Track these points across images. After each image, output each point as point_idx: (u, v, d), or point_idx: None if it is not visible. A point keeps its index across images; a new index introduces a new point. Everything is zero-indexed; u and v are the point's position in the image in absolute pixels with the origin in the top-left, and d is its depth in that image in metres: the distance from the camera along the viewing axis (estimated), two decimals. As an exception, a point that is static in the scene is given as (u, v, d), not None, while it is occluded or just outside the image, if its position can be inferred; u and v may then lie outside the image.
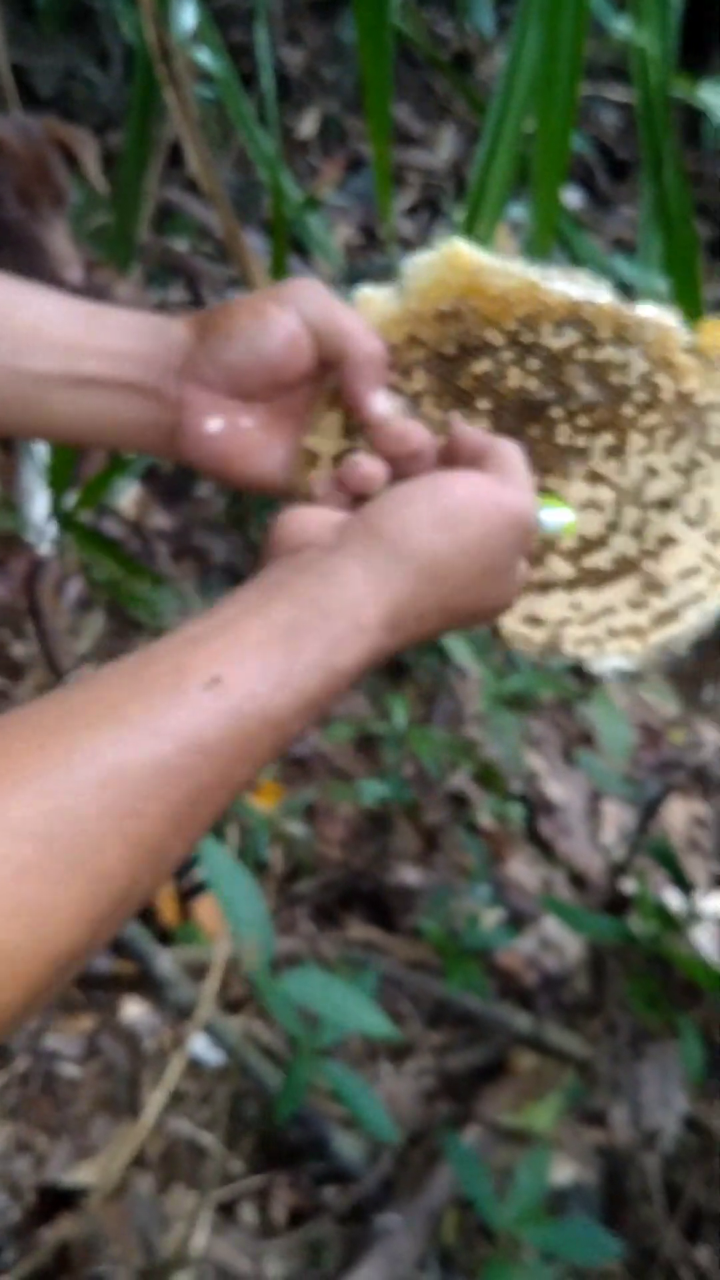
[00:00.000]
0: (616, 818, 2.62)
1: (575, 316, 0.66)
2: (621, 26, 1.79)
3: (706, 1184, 2.05)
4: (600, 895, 2.42)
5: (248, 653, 0.51)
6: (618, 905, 2.32)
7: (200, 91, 2.46)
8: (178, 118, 1.92)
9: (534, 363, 0.67)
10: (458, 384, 0.67)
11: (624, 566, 0.69)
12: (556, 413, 0.68)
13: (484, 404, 0.67)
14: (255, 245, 2.83)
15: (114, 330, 0.65)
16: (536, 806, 2.54)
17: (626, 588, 0.69)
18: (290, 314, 0.64)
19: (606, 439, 0.68)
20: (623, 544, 0.69)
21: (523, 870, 2.36)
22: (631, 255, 3.08)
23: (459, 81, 2.65)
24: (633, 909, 2.11)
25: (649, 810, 2.45)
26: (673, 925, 1.93)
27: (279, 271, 2.27)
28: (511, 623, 0.69)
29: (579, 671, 2.82)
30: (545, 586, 0.69)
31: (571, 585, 0.69)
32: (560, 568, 0.69)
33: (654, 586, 0.68)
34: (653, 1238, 1.95)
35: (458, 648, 2.26)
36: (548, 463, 0.68)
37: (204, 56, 1.96)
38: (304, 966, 1.28)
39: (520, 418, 0.68)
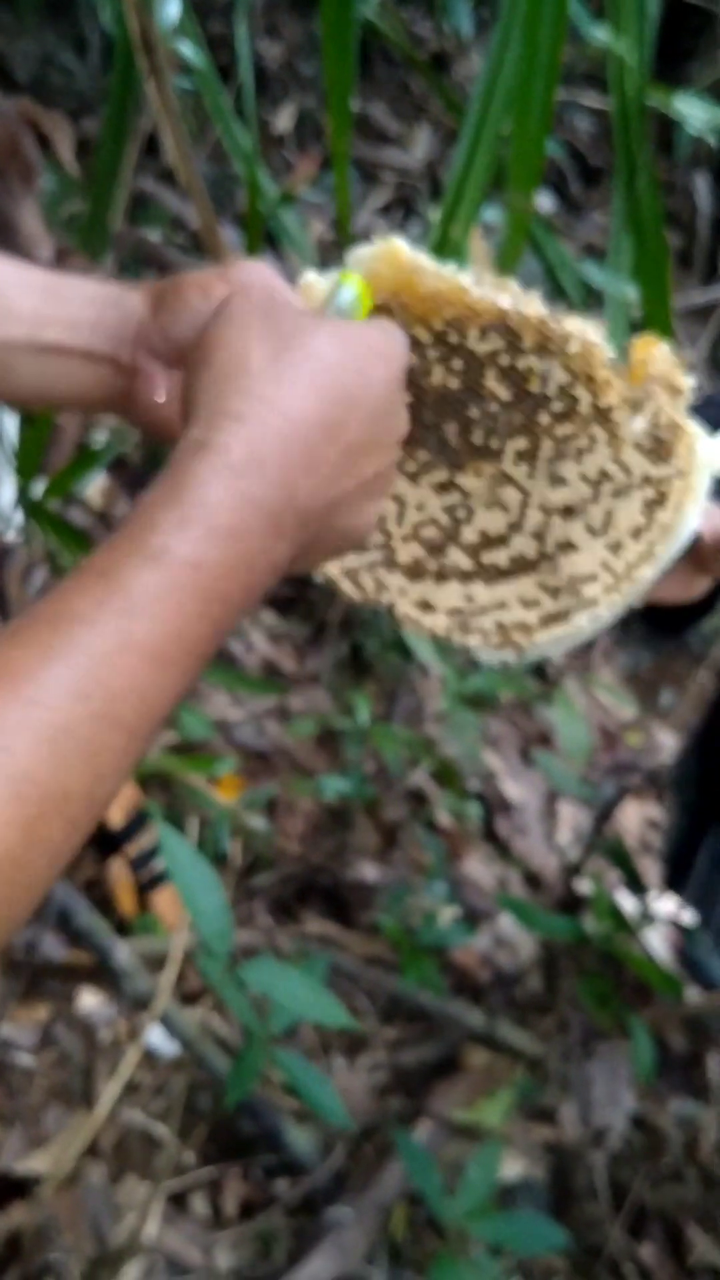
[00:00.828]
0: (572, 818, 2.64)
1: (501, 323, 0.67)
2: (600, 34, 1.80)
3: (652, 1183, 2.07)
4: (555, 895, 2.44)
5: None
6: (572, 905, 2.34)
7: (178, 83, 2.46)
8: (157, 109, 1.92)
9: (457, 363, 0.68)
10: None
11: (521, 566, 0.71)
12: (474, 413, 0.69)
13: (404, 396, 0.66)
14: (229, 238, 2.83)
15: (75, 300, 0.68)
16: (493, 805, 2.56)
17: (521, 586, 0.71)
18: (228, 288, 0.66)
19: (520, 443, 0.69)
20: (523, 544, 0.71)
21: (479, 868, 2.38)
22: (602, 261, 3.10)
23: (436, 81, 2.65)
24: (586, 909, 2.13)
25: (605, 811, 2.47)
26: (625, 926, 1.95)
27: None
28: (405, 605, 0.71)
29: (540, 673, 2.85)
30: (441, 576, 0.71)
31: (467, 577, 0.71)
32: (460, 559, 0.71)
33: (548, 589, 0.70)
34: (598, 1234, 1.98)
35: (420, 645, 2.28)
36: (460, 459, 0.70)
37: (184, 48, 1.96)
38: (256, 959, 1.29)
39: (439, 413, 0.69)
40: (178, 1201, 1.72)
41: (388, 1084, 1.95)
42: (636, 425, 0.68)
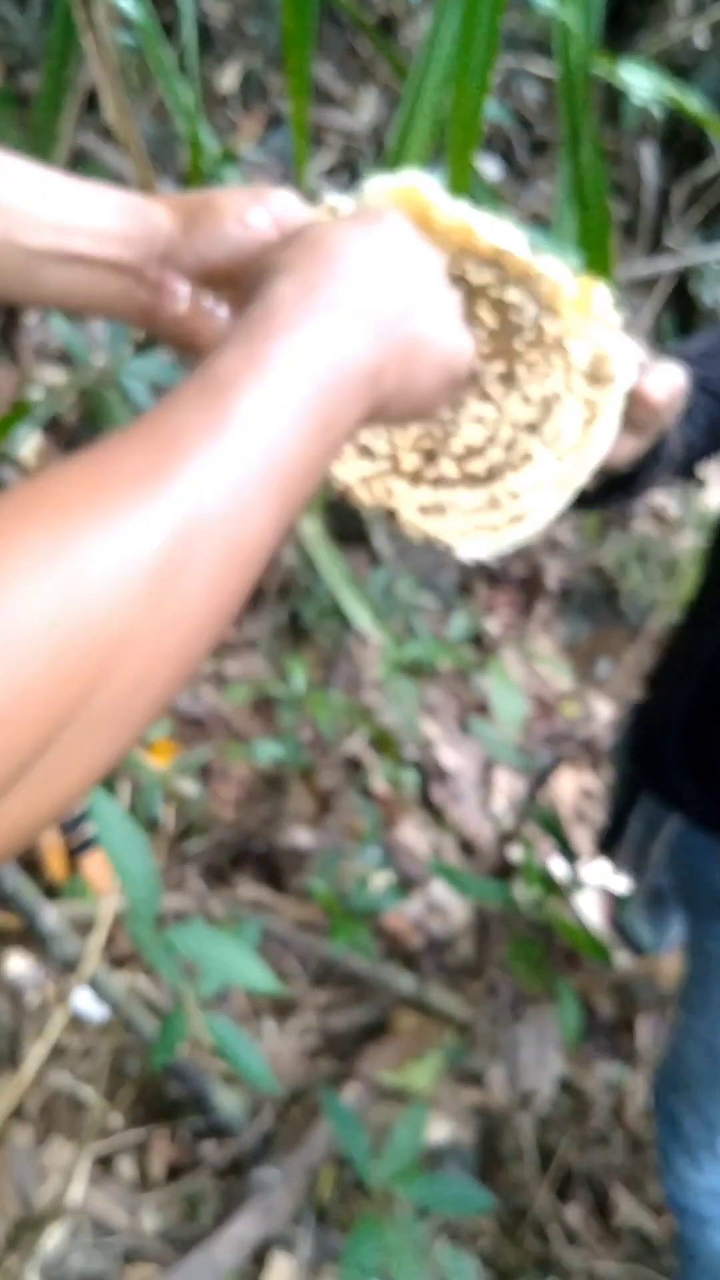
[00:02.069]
0: (508, 787, 2.66)
1: (494, 260, 0.76)
2: (546, 1, 1.79)
3: (579, 1145, 2.11)
4: (489, 862, 2.46)
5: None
6: (505, 872, 2.36)
7: (120, 38, 2.42)
8: (95, 63, 1.88)
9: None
10: None
11: (493, 474, 0.80)
12: None
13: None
14: (170, 197, 2.79)
15: (101, 209, 0.69)
16: (430, 773, 2.57)
17: (493, 490, 0.80)
18: (262, 215, 0.71)
19: (499, 366, 0.79)
20: (496, 455, 0.80)
21: (414, 835, 2.39)
22: (547, 230, 3.10)
23: (383, 45, 2.62)
24: (519, 876, 2.15)
25: (539, 780, 2.49)
26: (555, 891, 1.97)
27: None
28: (407, 511, 0.79)
29: (477, 640, 2.86)
30: (437, 483, 0.80)
31: (453, 485, 0.80)
32: (448, 469, 0.80)
33: (513, 494, 0.80)
34: (525, 1196, 2.01)
35: (359, 612, 2.27)
36: None
37: (125, 2, 1.92)
38: (187, 923, 1.29)
39: None
40: (105, 1164, 1.72)
41: (317, 1047, 1.96)
42: (582, 354, 0.78)
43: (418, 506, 0.79)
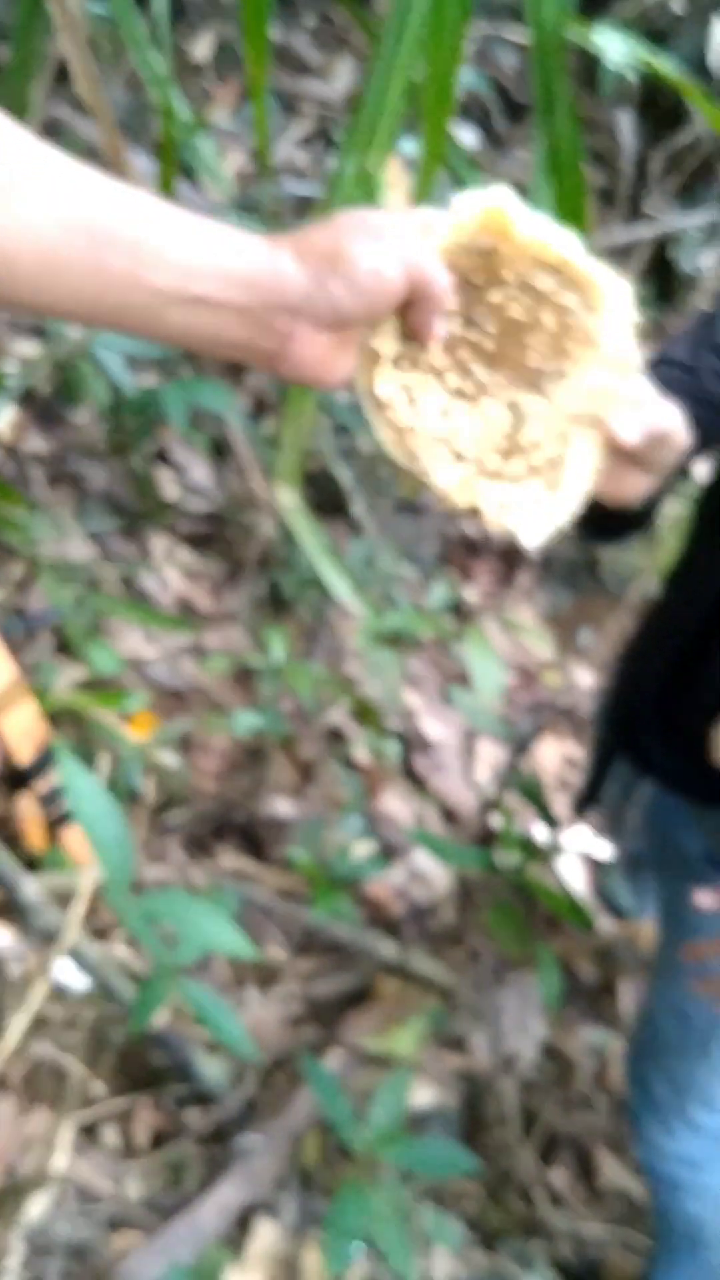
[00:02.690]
0: (491, 756, 2.66)
1: (560, 269, 0.82)
2: (516, -38, 1.78)
3: (562, 1109, 2.12)
4: (471, 830, 2.47)
5: None
6: (488, 839, 2.37)
7: (92, 7, 2.40)
8: (63, 32, 1.86)
9: (526, 299, 0.83)
10: (475, 307, 0.84)
11: (553, 464, 0.87)
12: (530, 340, 0.85)
13: (489, 328, 0.84)
14: (145, 168, 2.77)
15: (229, 253, 0.71)
16: (413, 743, 2.58)
17: (552, 476, 0.87)
18: (394, 263, 0.74)
19: (555, 365, 0.86)
20: (553, 448, 0.87)
21: (396, 805, 2.40)
22: (525, 198, 3.08)
23: (357, 12, 2.61)
24: (501, 843, 2.16)
25: (520, 748, 2.50)
26: (535, 857, 1.98)
27: (167, 194, 2.23)
28: (491, 510, 0.86)
29: (458, 611, 2.86)
30: (512, 480, 0.87)
31: (522, 479, 0.87)
32: (519, 468, 0.87)
33: (566, 479, 0.87)
34: (509, 1160, 2.02)
35: (338, 584, 2.27)
36: (516, 377, 0.86)
37: (92, -31, 1.90)
38: (169, 890, 1.29)
39: (508, 340, 0.85)
40: (89, 1133, 1.73)
41: (301, 1014, 1.97)
42: (613, 349, 0.85)
43: (498, 504, 0.86)
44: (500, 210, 0.81)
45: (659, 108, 3.59)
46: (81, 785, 1.24)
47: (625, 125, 3.57)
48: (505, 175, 3.42)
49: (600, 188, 3.61)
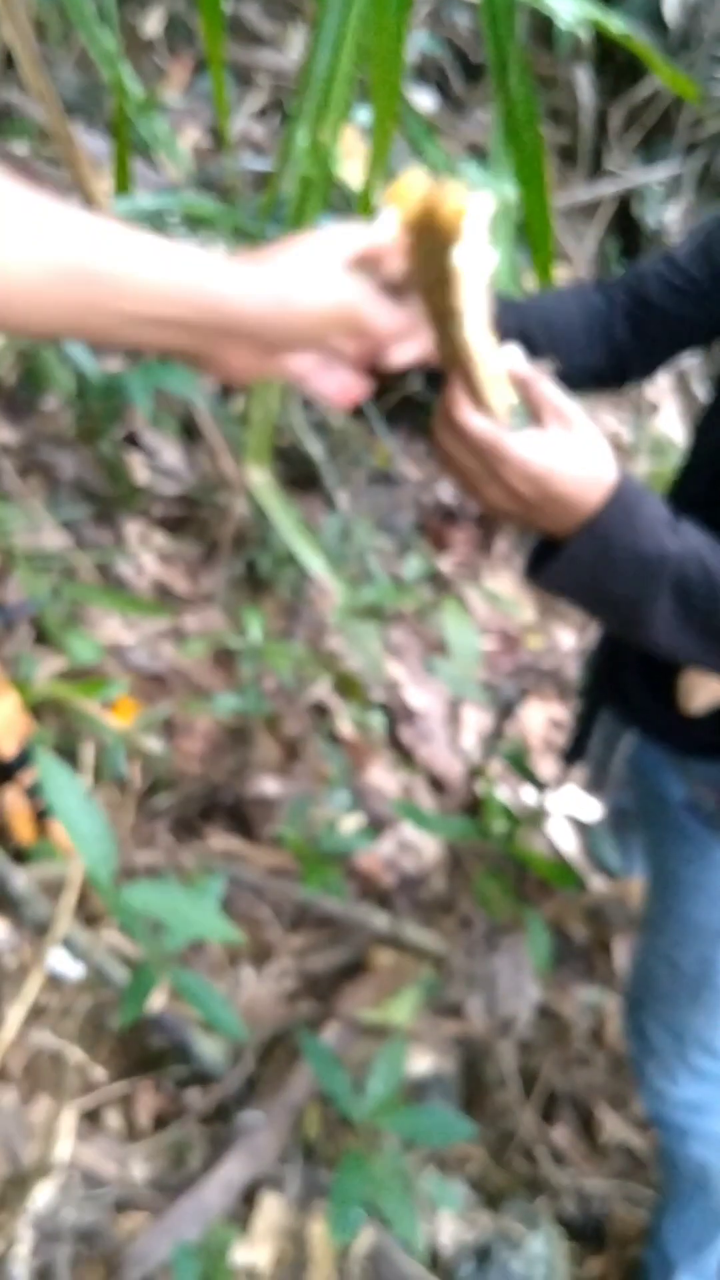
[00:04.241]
0: (476, 723, 2.67)
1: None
2: None
3: (561, 1068, 2.15)
4: (459, 798, 2.48)
5: None
6: (475, 807, 2.38)
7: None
8: (4, 19, 1.85)
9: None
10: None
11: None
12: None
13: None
14: (99, 148, 2.74)
15: (196, 280, 0.78)
16: (397, 714, 2.58)
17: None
18: (333, 310, 0.84)
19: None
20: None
21: (383, 776, 2.41)
22: (484, 161, 3.06)
23: (305, -21, 2.58)
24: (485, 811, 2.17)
25: (504, 713, 2.51)
26: (518, 822, 1.99)
27: (122, 173, 2.21)
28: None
29: (434, 579, 2.86)
30: None
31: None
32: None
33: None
34: (510, 1121, 2.05)
35: (313, 560, 2.27)
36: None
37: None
38: (159, 878, 1.30)
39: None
40: (92, 1118, 1.74)
41: (296, 990, 1.99)
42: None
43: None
44: (405, 185, 0.86)
45: (616, 62, 3.56)
46: (59, 781, 1.25)
47: (583, 81, 3.54)
48: (465, 138, 3.40)
49: (561, 145, 3.59)
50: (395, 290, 0.91)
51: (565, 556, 0.91)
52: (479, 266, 0.87)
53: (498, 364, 0.91)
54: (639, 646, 0.97)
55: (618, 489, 0.90)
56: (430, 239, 0.86)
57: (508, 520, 0.93)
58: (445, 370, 0.92)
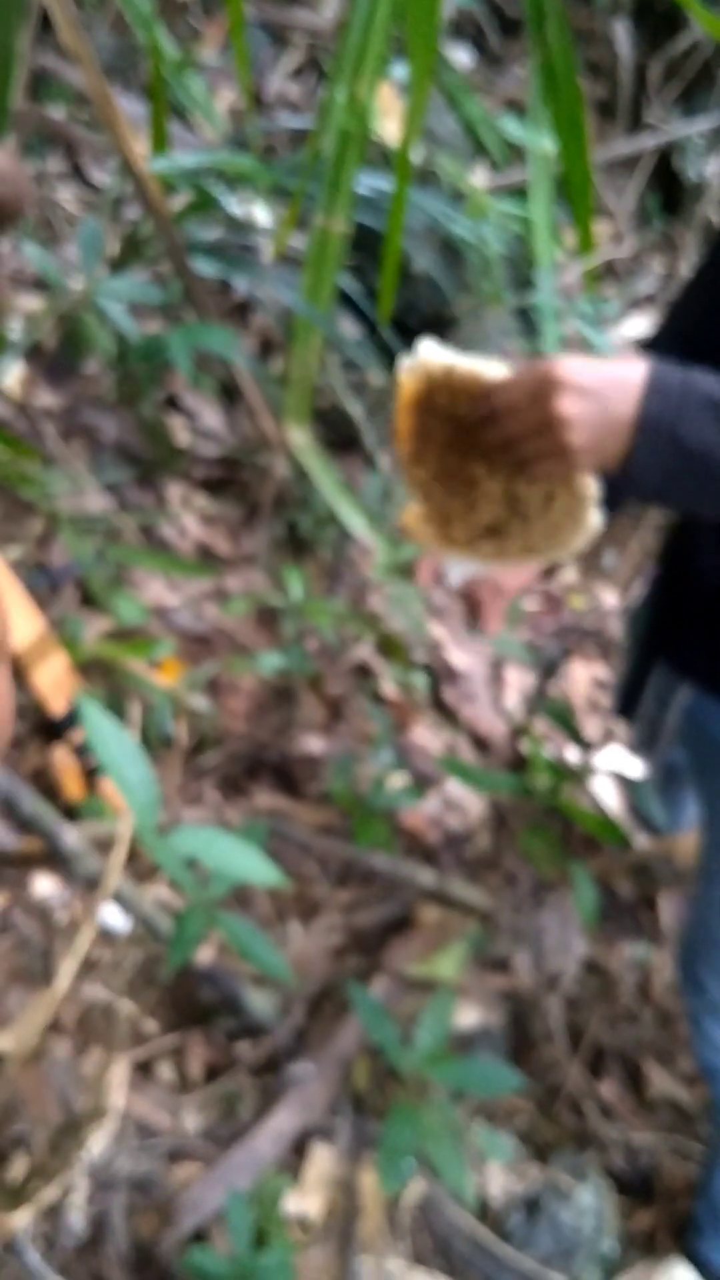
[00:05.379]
0: (519, 682, 2.67)
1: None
2: None
3: (608, 1023, 2.15)
4: (503, 756, 2.48)
5: None
6: (520, 765, 2.38)
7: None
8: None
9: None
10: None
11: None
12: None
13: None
14: (135, 111, 2.74)
15: None
16: (440, 675, 2.58)
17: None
18: None
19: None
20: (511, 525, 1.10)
21: (426, 736, 2.41)
22: (524, 115, 3.03)
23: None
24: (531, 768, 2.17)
25: (548, 673, 2.50)
26: (564, 779, 1.99)
27: (159, 134, 2.21)
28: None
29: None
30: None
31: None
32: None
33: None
34: (558, 1075, 2.05)
35: (353, 519, 2.27)
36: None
37: None
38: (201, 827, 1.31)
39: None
40: (144, 1070, 1.77)
41: (344, 945, 2.00)
42: None
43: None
44: (424, 363, 1.00)
45: (655, 14, 3.51)
46: (104, 730, 1.26)
47: (621, 34, 3.49)
48: (503, 93, 3.37)
49: (600, 100, 3.55)
50: None
51: (644, 427, 0.95)
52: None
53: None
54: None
55: (649, 358, 0.98)
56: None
57: (586, 438, 0.97)
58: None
